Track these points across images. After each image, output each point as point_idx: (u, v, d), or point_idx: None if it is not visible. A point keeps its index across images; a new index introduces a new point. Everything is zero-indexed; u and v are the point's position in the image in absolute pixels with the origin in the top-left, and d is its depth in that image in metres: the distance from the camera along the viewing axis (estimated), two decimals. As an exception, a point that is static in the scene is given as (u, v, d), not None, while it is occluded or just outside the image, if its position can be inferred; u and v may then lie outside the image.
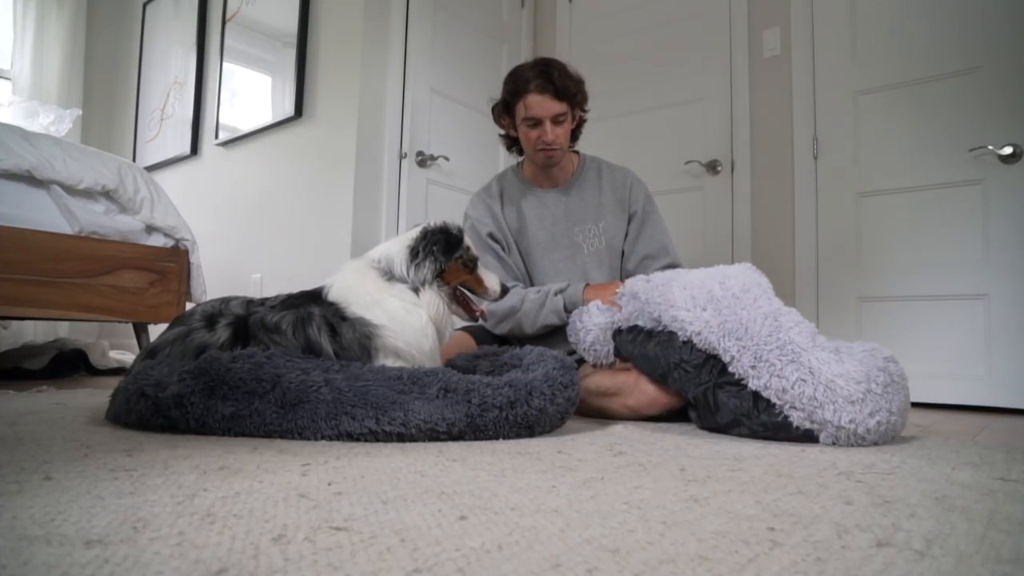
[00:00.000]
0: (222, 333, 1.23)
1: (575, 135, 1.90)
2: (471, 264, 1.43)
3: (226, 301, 1.32)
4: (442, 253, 1.36)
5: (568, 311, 1.67)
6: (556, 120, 1.73)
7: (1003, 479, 0.86)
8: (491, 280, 1.46)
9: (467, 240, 1.44)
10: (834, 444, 1.13)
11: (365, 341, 1.26)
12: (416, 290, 1.34)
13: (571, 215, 1.86)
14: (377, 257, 1.38)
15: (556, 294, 1.70)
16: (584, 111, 1.86)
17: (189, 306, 2.52)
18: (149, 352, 1.26)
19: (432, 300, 1.35)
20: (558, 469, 0.86)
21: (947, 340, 2.28)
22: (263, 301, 1.32)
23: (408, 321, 1.29)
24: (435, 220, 1.43)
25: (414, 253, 1.35)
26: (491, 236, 1.84)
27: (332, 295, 1.30)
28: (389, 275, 1.34)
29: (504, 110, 1.81)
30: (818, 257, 2.57)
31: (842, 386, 1.12)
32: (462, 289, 1.45)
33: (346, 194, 2.68)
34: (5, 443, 0.93)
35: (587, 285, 1.72)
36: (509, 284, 1.75)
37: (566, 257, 1.85)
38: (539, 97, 1.70)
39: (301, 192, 2.92)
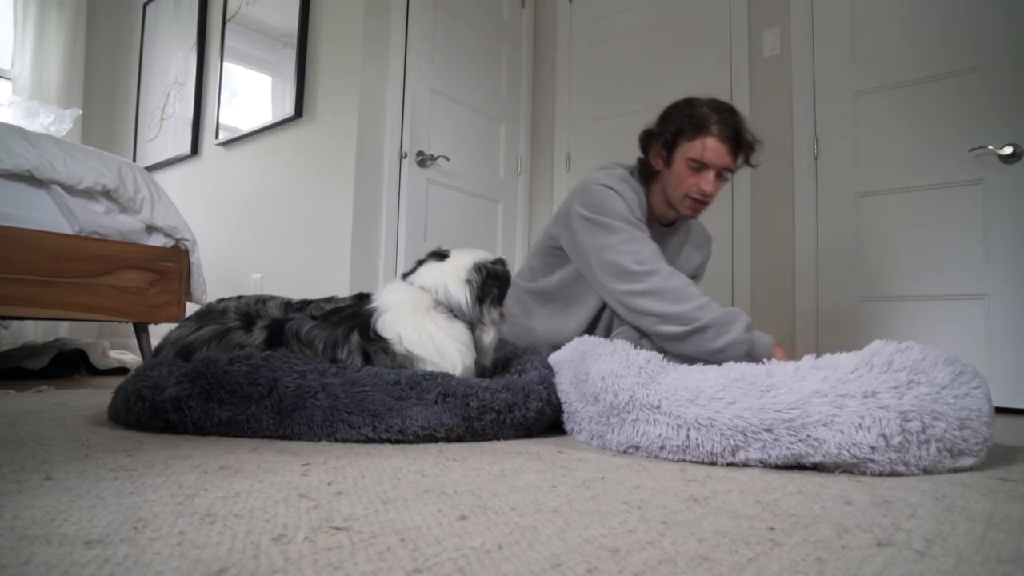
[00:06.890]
0: (258, 335, 1.23)
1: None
2: None
3: (262, 301, 1.31)
4: (503, 296, 1.37)
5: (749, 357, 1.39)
6: (721, 173, 1.61)
7: (1003, 479, 0.86)
8: None
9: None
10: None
11: (405, 363, 1.24)
12: (473, 326, 1.31)
13: (667, 253, 1.71)
14: (433, 287, 1.31)
15: (746, 330, 1.41)
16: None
17: (189, 306, 2.53)
18: (182, 353, 1.25)
19: (495, 336, 1.36)
20: (558, 469, 0.86)
21: (947, 340, 2.28)
22: (301, 305, 1.29)
23: (461, 364, 1.26)
24: (479, 256, 1.38)
25: (475, 293, 1.31)
26: (626, 220, 1.60)
27: (382, 326, 1.23)
28: (450, 313, 1.29)
29: (672, 140, 1.63)
30: (818, 257, 2.57)
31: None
32: None
33: (346, 194, 2.68)
34: (5, 443, 0.93)
35: (775, 345, 1.44)
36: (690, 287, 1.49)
37: None
38: (719, 144, 1.57)
39: (301, 192, 2.92)
